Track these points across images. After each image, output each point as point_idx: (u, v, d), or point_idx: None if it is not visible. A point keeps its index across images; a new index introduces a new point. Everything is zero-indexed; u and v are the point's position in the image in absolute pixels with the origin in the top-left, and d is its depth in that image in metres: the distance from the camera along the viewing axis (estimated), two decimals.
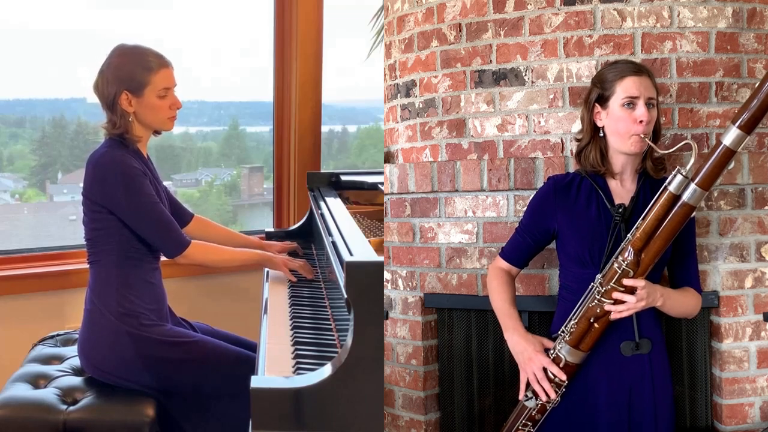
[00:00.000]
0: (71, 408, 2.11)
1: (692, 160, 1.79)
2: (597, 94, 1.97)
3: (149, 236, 2.25)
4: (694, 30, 2.28)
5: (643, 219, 1.84)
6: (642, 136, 1.89)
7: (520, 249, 2.08)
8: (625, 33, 2.29)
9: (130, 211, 2.20)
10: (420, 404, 2.45)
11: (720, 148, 1.78)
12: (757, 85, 1.76)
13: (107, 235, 2.24)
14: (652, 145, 1.91)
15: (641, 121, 1.89)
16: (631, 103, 1.91)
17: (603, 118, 1.97)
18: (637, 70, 1.94)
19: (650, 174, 1.98)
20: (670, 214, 1.81)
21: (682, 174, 1.79)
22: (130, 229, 2.23)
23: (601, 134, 1.98)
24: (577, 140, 2.05)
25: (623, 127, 1.91)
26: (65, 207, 3.46)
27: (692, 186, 1.79)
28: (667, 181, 1.82)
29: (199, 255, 2.33)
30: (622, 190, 1.99)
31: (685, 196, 1.80)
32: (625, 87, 1.92)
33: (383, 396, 1.73)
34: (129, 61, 2.25)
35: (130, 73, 2.24)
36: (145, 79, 2.25)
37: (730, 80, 2.28)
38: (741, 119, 1.75)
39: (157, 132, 2.38)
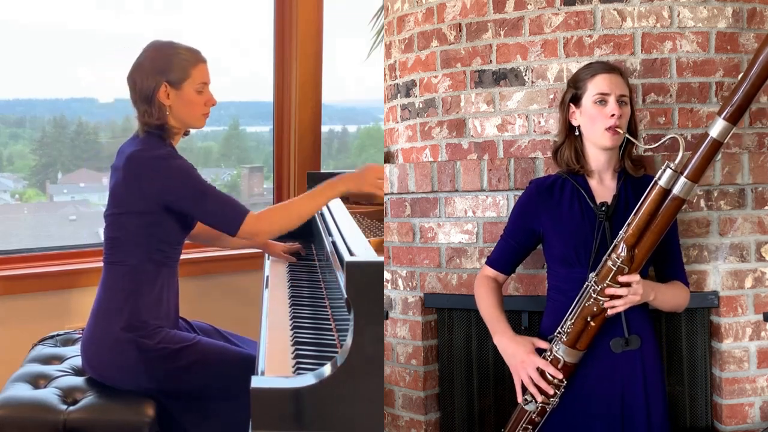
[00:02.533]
0: (71, 408, 2.11)
1: (680, 154, 1.81)
2: (571, 94, 2.01)
3: (212, 214, 2.16)
4: (694, 30, 2.28)
5: (634, 215, 1.85)
6: (617, 129, 1.92)
7: (506, 255, 2.08)
8: (625, 33, 2.29)
9: (192, 195, 2.15)
10: (420, 404, 2.45)
11: (707, 140, 1.80)
12: (740, 77, 1.78)
13: (135, 236, 2.21)
14: (630, 137, 1.93)
15: (612, 115, 1.92)
16: (602, 99, 1.94)
17: (577, 117, 2.00)
18: (609, 68, 1.98)
19: (630, 173, 2.00)
20: (662, 208, 1.84)
21: (671, 168, 1.82)
22: (160, 229, 2.21)
23: (577, 133, 2.01)
24: (555, 141, 2.08)
25: (596, 122, 1.95)
26: (65, 207, 3.46)
27: (682, 179, 1.81)
28: (657, 175, 1.83)
29: (266, 227, 2.21)
30: (603, 189, 2.00)
31: (676, 190, 1.82)
32: (597, 84, 1.95)
33: (383, 396, 1.73)
34: (169, 54, 2.24)
35: (171, 65, 2.23)
36: (185, 72, 2.24)
37: (730, 80, 2.28)
38: (726, 111, 1.78)
39: (186, 132, 2.36)
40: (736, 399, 2.20)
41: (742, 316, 2.20)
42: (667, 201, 1.83)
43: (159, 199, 2.18)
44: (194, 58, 2.27)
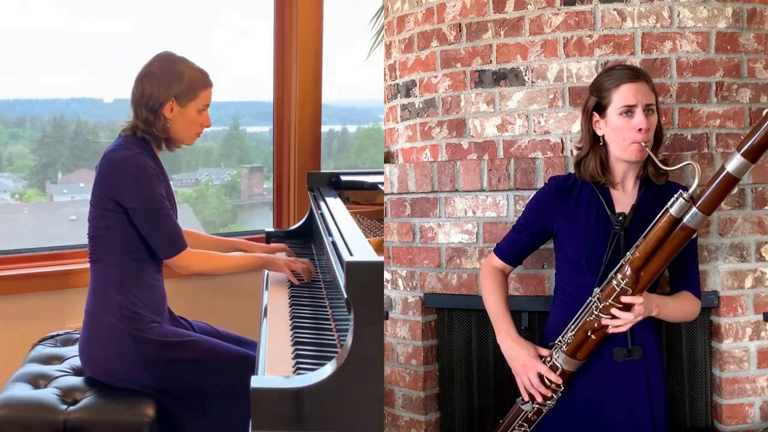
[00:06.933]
0: (71, 408, 2.11)
1: (695, 183, 1.76)
2: (594, 102, 1.94)
3: (150, 234, 2.23)
4: (694, 30, 2.28)
5: (643, 238, 1.81)
6: (643, 144, 1.86)
7: (516, 247, 2.06)
8: (625, 33, 2.29)
9: (140, 206, 2.20)
10: (420, 404, 2.45)
11: (723, 174, 1.74)
12: (764, 113, 1.70)
13: (113, 233, 2.23)
14: (653, 156, 1.87)
15: (640, 129, 1.86)
16: (629, 111, 1.87)
17: (602, 127, 1.93)
18: (634, 76, 1.90)
19: (652, 180, 1.94)
20: (670, 236, 1.79)
21: (684, 198, 1.76)
22: (135, 228, 2.23)
23: (601, 143, 1.95)
24: (578, 149, 2.03)
25: (622, 135, 1.88)
26: (65, 207, 3.46)
27: (693, 210, 1.76)
28: (669, 203, 1.78)
29: (196, 264, 2.31)
30: (624, 196, 1.96)
31: (686, 220, 1.77)
32: (622, 95, 1.88)
33: (383, 396, 1.73)
34: (182, 71, 2.29)
35: (182, 83, 2.28)
36: (194, 93, 2.30)
37: (730, 80, 2.28)
38: (745, 147, 1.70)
39: (175, 146, 2.38)
40: (736, 399, 2.20)
41: (742, 316, 2.20)
42: (676, 230, 1.78)
43: (116, 197, 2.21)
44: (204, 81, 2.33)
